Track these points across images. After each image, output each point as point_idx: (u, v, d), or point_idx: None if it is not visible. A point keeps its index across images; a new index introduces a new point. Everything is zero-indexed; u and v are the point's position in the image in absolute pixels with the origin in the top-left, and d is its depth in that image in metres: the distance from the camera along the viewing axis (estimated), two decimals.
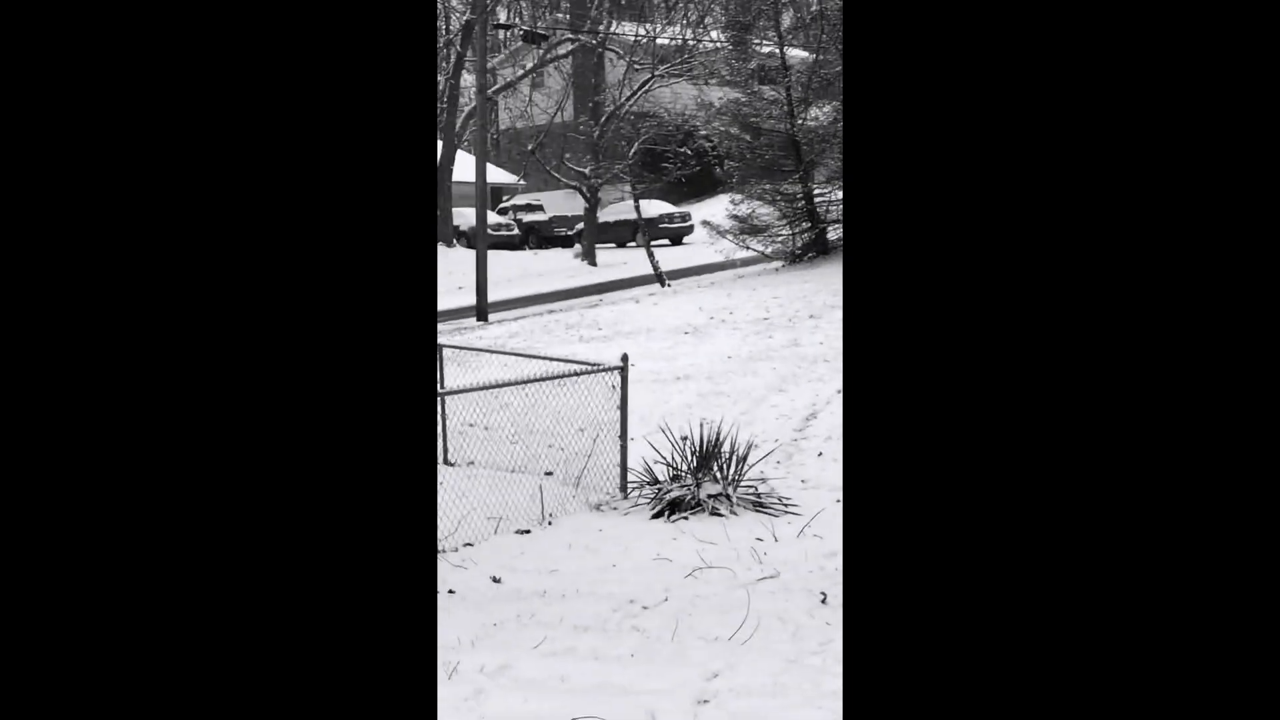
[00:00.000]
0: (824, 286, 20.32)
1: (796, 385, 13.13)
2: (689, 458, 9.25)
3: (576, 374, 9.92)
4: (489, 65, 32.67)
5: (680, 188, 39.14)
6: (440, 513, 8.67)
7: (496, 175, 43.15)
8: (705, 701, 5.51)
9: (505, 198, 44.19)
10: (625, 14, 37.37)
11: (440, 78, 40.84)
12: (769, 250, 25.75)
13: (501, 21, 30.89)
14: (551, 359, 11.30)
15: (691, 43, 33.87)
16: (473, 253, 26.64)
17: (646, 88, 33.37)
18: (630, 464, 9.66)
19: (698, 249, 32.18)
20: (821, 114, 24.58)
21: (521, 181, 44.49)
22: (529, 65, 39.11)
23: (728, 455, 9.20)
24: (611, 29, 35.75)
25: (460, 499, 9.16)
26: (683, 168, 33.86)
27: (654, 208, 37.13)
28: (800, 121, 24.21)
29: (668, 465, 9.32)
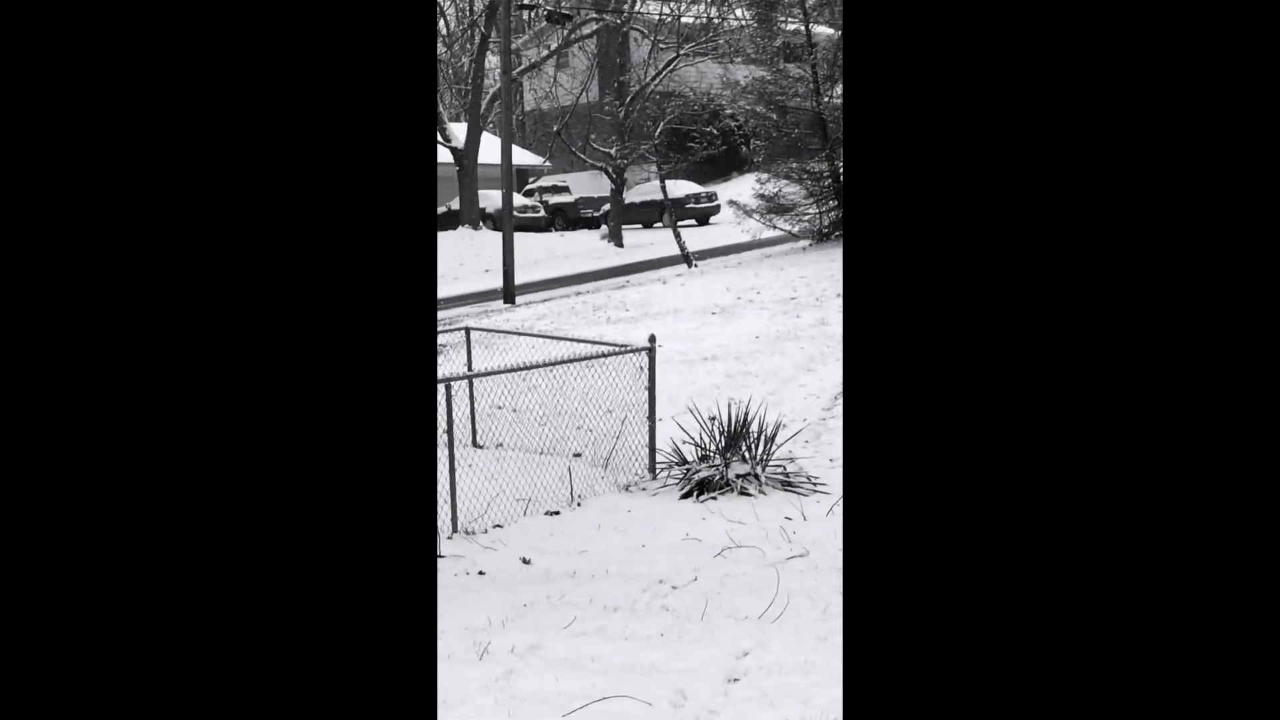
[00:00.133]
0: None
1: (824, 364, 13.11)
2: (717, 438, 9.25)
3: (604, 355, 9.93)
4: (513, 46, 32.68)
5: (706, 167, 39.07)
6: (469, 495, 8.71)
7: (522, 157, 43.15)
8: (735, 680, 5.53)
9: (531, 179, 44.18)
10: None
11: (465, 59, 40.86)
12: (796, 229, 25.68)
13: (525, 2, 30.81)
14: (579, 341, 11.32)
15: (716, 21, 33.77)
16: (499, 235, 26.65)
17: (671, 67, 33.29)
18: (658, 445, 9.68)
19: (724, 229, 32.12)
20: None
21: (547, 163, 44.47)
22: (553, 46, 39.06)
23: (756, 435, 9.20)
24: (636, 8, 35.67)
25: (489, 481, 9.20)
26: (708, 147, 33.76)
27: (680, 188, 37.04)
28: (826, 99, 24.09)
29: (696, 446, 9.33)
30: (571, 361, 9.93)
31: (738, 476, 8.93)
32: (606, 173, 33.31)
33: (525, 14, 37.16)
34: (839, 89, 24.40)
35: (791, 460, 9.27)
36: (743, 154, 28.78)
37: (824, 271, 20.23)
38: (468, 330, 12.68)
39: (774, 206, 25.50)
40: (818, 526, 7.97)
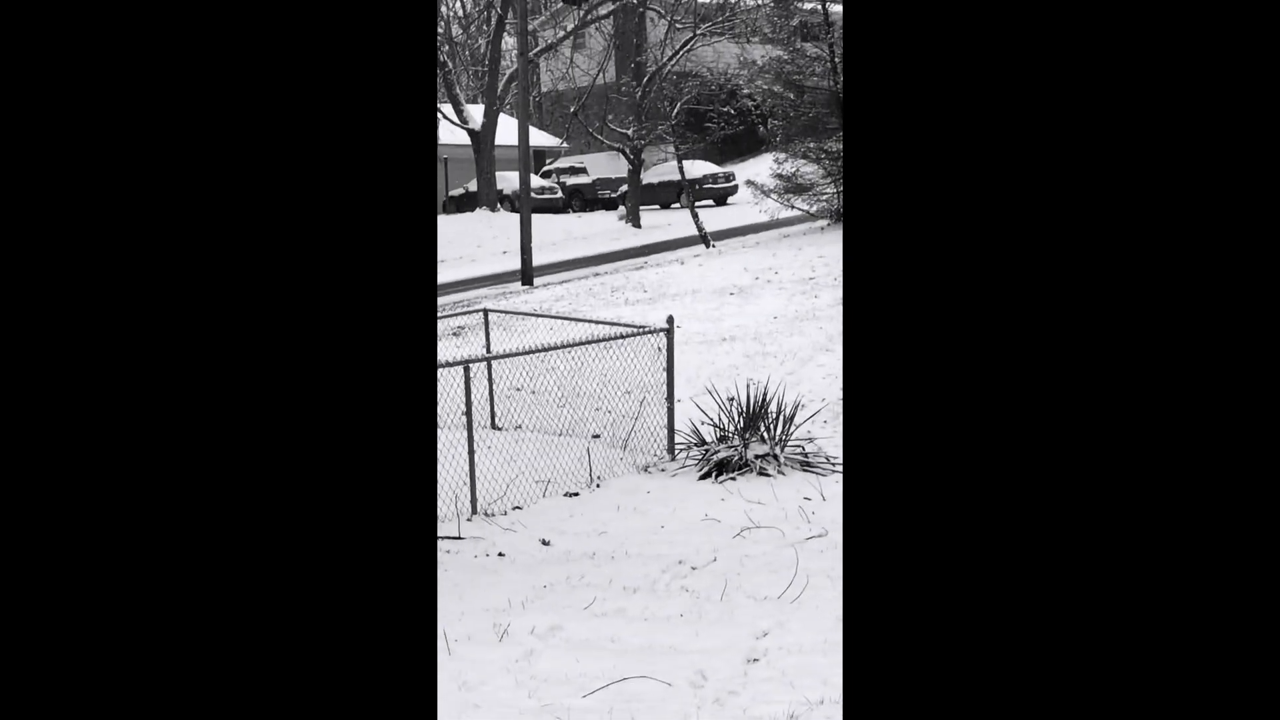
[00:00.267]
0: None
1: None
2: (736, 418, 9.25)
3: (622, 336, 9.93)
4: (530, 27, 32.60)
5: (724, 147, 38.99)
6: (489, 476, 8.73)
7: (539, 138, 43.11)
8: (755, 660, 5.53)
9: (548, 161, 44.15)
10: None
11: (482, 41, 40.80)
12: (814, 209, 25.59)
13: None
14: (597, 322, 11.32)
15: (733, 0, 33.63)
16: (516, 217, 26.64)
17: (688, 47, 33.21)
18: (677, 425, 9.68)
19: (742, 209, 32.05)
20: None
21: (564, 144, 44.42)
22: (570, 27, 38.97)
23: (775, 415, 9.19)
24: None
25: (508, 463, 9.22)
26: (726, 127, 33.69)
27: (697, 168, 36.97)
28: (844, 78, 23.99)
29: (715, 426, 9.33)
30: (590, 343, 9.94)
31: (756, 457, 8.92)
32: (624, 153, 33.26)
33: None
34: None
35: (810, 440, 9.26)
36: (760, 134, 28.67)
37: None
38: (486, 312, 12.69)
39: (792, 186, 25.41)
40: (837, 506, 7.96)
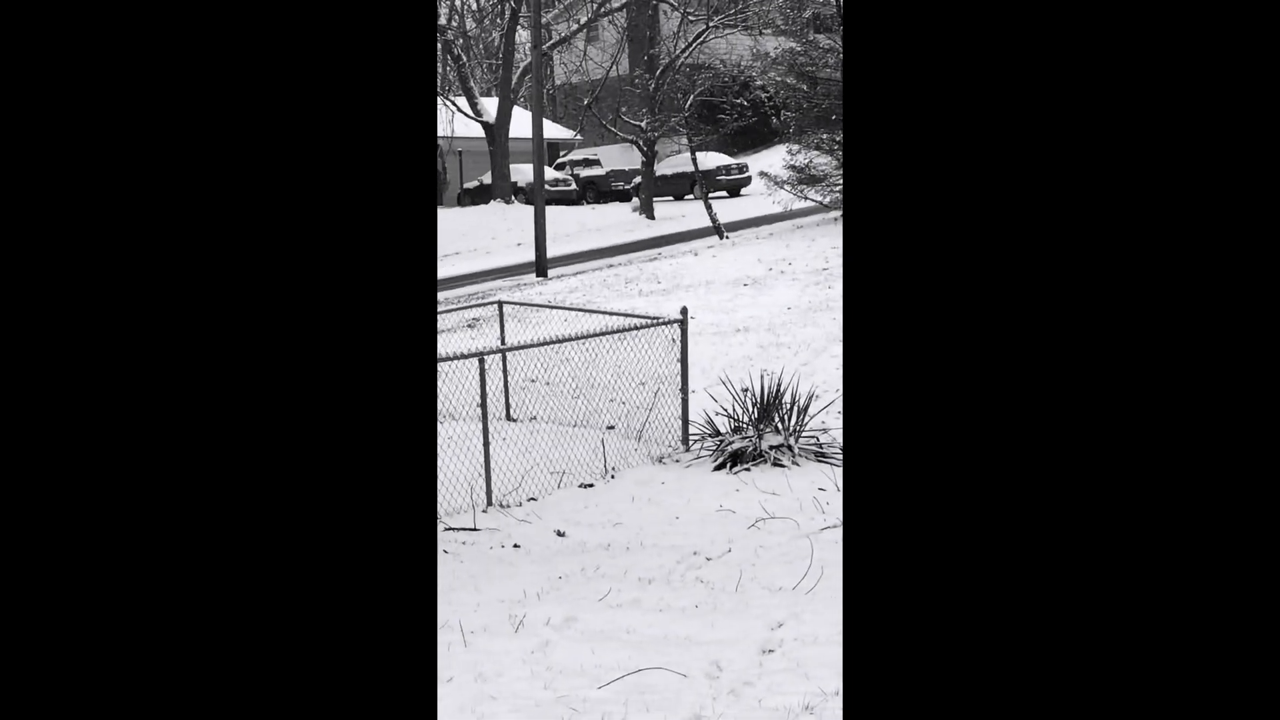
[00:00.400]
0: None
1: None
2: (750, 409, 9.25)
3: (636, 328, 9.94)
4: (543, 20, 32.56)
5: (737, 139, 38.92)
6: (504, 468, 8.75)
7: (553, 131, 43.10)
8: (770, 651, 5.54)
9: (562, 153, 44.14)
10: None
11: (496, 34, 40.79)
12: (827, 200, 25.54)
13: None
14: (611, 313, 11.33)
15: None
16: (531, 209, 26.66)
17: (701, 39, 33.11)
18: (691, 416, 9.69)
19: (755, 200, 32.01)
20: None
21: (578, 136, 44.41)
22: (583, 19, 38.95)
23: (789, 406, 9.19)
24: None
25: (523, 454, 9.24)
26: (739, 119, 33.62)
27: (711, 160, 36.91)
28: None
29: (729, 417, 9.34)
30: (604, 334, 9.95)
31: (771, 448, 8.93)
32: (637, 145, 33.22)
33: None
34: None
35: (825, 431, 9.26)
36: (773, 125, 28.65)
37: None
38: (500, 304, 12.71)
39: (805, 177, 25.39)
40: None
